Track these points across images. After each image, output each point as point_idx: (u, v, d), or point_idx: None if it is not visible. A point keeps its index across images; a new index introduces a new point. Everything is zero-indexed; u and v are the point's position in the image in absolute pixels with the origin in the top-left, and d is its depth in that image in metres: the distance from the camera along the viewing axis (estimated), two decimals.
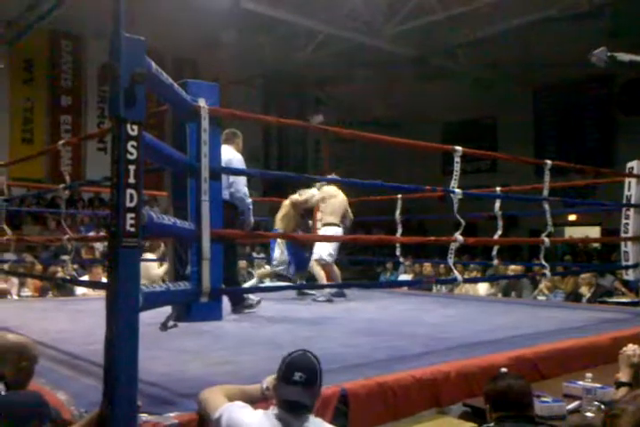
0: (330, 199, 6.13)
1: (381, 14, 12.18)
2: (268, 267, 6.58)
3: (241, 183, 4.40)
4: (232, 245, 4.58)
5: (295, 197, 6.34)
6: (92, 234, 9.97)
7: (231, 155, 4.37)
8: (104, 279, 6.10)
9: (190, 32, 12.22)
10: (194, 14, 10.96)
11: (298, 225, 6.32)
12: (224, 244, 4.85)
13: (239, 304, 4.71)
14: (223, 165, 4.51)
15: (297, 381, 1.97)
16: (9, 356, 2.09)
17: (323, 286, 5.57)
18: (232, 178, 4.36)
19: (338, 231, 6.02)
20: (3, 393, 2.00)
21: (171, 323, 2.55)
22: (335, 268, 6.14)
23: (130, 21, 2.02)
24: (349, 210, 6.29)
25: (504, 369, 2.80)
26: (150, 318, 2.32)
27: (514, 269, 7.83)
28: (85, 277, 6.77)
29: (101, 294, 5.10)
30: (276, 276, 6.46)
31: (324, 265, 5.98)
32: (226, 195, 4.22)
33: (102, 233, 9.43)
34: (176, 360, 2.95)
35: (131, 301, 1.90)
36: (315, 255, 6.01)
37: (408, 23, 12.11)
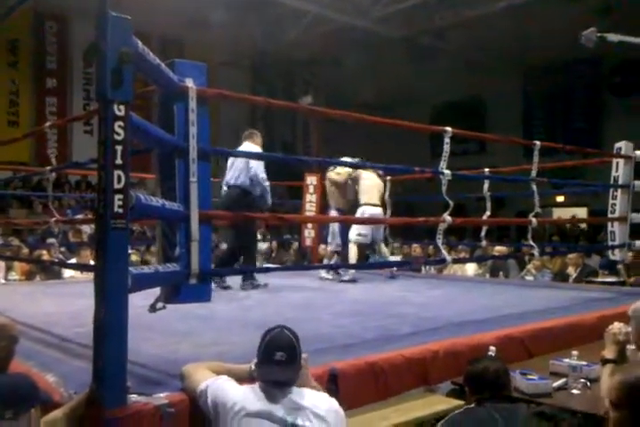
0: (362, 180, 6.19)
1: None
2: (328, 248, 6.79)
3: (259, 169, 5.05)
4: (248, 227, 5.30)
5: (333, 175, 6.43)
6: (79, 217, 9.92)
7: (250, 147, 5.17)
8: (92, 262, 6.08)
9: (177, 12, 12.06)
10: None
11: (344, 203, 6.42)
12: (241, 226, 5.23)
13: (247, 281, 5.21)
14: (233, 160, 5.16)
15: (279, 360, 1.99)
16: None
17: (310, 268, 5.58)
18: (251, 163, 5.03)
19: (369, 211, 6.02)
20: None
21: (159, 304, 2.55)
22: (383, 247, 6.35)
23: (116, 1, 1.99)
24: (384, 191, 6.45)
25: (492, 348, 2.84)
26: (140, 300, 2.32)
27: (499, 249, 7.93)
28: (73, 260, 6.75)
29: (90, 276, 5.11)
30: (336, 254, 6.59)
31: (360, 245, 6.13)
32: (245, 181, 5.10)
33: (90, 216, 9.38)
34: (166, 342, 2.96)
35: (119, 282, 1.90)
36: (349, 236, 6.16)
37: (396, 4, 12.00)
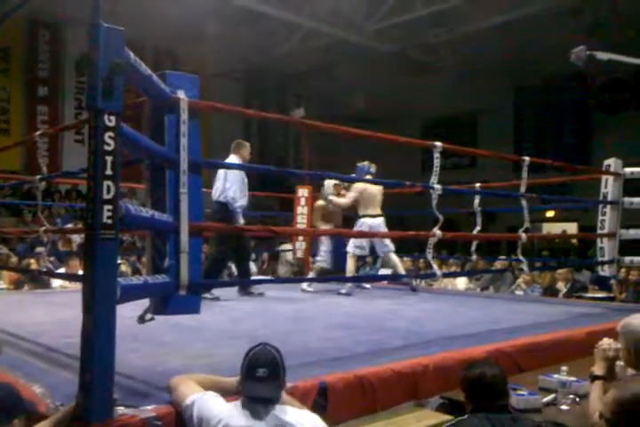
0: (365, 191, 6.13)
1: (363, 10, 12.16)
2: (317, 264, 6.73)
3: (231, 189, 5.13)
4: (243, 242, 5.49)
5: (331, 197, 6.42)
6: (69, 226, 9.85)
7: (233, 161, 5.18)
8: (81, 272, 6.02)
9: (171, 23, 12.09)
10: (175, 5, 10.84)
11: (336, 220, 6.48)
12: (235, 240, 5.35)
13: (244, 289, 5.45)
14: (221, 173, 5.19)
15: (260, 377, 1.98)
16: None
17: (299, 280, 5.56)
18: (227, 183, 5.12)
19: (368, 223, 6.00)
20: None
21: (148, 316, 2.53)
22: (393, 257, 6.22)
23: (109, 11, 2.00)
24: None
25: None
26: (128, 311, 2.30)
27: (498, 264, 7.89)
28: (62, 270, 6.69)
29: (79, 286, 5.07)
30: (323, 270, 6.59)
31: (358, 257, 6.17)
32: (221, 197, 5.18)
33: (80, 225, 9.33)
34: (154, 353, 2.93)
35: (108, 293, 1.88)
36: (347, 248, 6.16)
37: (389, 19, 12.12)
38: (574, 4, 10.56)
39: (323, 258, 6.62)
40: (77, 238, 9.19)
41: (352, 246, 6.10)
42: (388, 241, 6.19)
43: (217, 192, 5.25)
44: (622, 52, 5.62)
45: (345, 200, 6.25)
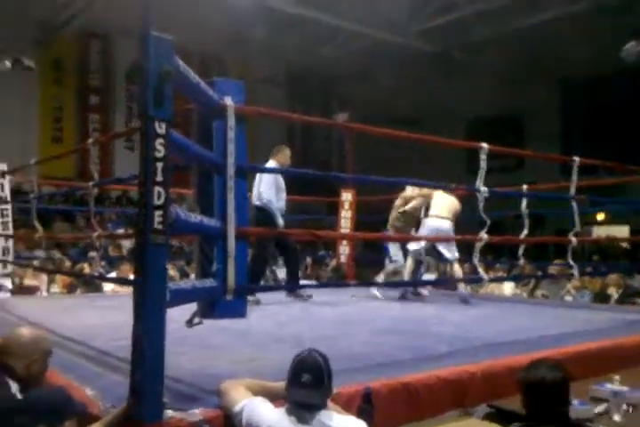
0: (435, 196, 6.08)
1: (405, 11, 12.11)
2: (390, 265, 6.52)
3: (265, 192, 5.24)
4: (289, 245, 5.62)
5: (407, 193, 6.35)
6: (120, 231, 10.09)
7: (270, 166, 5.24)
8: (131, 276, 6.16)
9: (217, 30, 12.31)
10: (220, 12, 11.01)
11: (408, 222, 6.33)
12: (278, 243, 5.49)
13: (294, 292, 5.54)
14: (257, 177, 5.28)
15: (305, 382, 1.99)
16: (22, 351, 2.11)
17: (344, 285, 5.55)
18: (262, 186, 5.24)
19: (431, 223, 5.92)
20: (14, 391, 2.01)
21: (196, 320, 2.57)
22: (455, 266, 6.00)
23: (158, 20, 2.04)
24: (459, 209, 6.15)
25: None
26: (177, 315, 2.34)
27: (552, 269, 7.57)
28: (113, 274, 6.86)
29: (130, 290, 5.18)
30: (395, 272, 6.46)
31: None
32: (257, 201, 5.28)
33: (130, 231, 9.54)
34: (202, 357, 2.98)
35: (158, 297, 1.92)
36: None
37: (432, 20, 12.03)
38: (622, 3, 10.26)
39: (395, 259, 6.37)
40: (127, 244, 9.40)
41: (413, 245, 6.02)
42: (452, 246, 5.98)
43: (255, 196, 5.35)
44: None
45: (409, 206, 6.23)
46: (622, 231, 13.85)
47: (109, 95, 13.97)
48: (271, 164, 5.37)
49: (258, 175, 5.35)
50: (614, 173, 8.11)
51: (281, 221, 5.30)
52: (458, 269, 5.95)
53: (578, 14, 10.94)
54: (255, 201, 5.33)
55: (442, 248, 5.90)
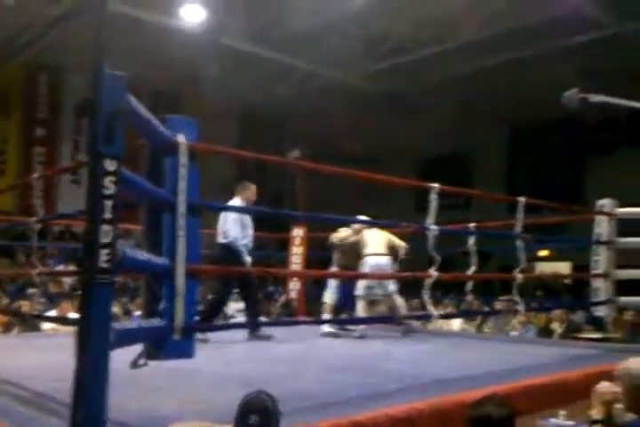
0: (367, 234, 6.10)
1: (359, 52, 12.45)
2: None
3: (231, 230, 5.20)
4: (247, 282, 5.41)
5: (335, 235, 6.40)
6: (60, 267, 9.79)
7: (235, 203, 5.27)
8: (72, 314, 5.97)
9: (170, 66, 12.35)
10: (173, 49, 11.08)
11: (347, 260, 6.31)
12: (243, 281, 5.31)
13: (255, 332, 5.33)
14: (222, 214, 5.26)
15: (252, 424, 1.96)
16: None
17: (297, 323, 5.51)
18: (227, 224, 5.20)
19: (372, 261, 5.92)
20: None
21: (141, 361, 2.50)
22: (396, 298, 6.07)
23: (109, 56, 2.04)
24: (396, 240, 6.18)
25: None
26: (122, 356, 2.27)
27: (499, 305, 7.76)
28: (53, 312, 6.61)
29: (69, 329, 5.01)
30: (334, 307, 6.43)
31: (374, 300, 6.15)
32: (221, 239, 5.25)
33: (71, 267, 9.28)
34: (146, 399, 2.88)
35: (102, 338, 1.87)
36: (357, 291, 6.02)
37: (385, 61, 12.38)
38: (567, 48, 10.82)
39: (332, 295, 6.42)
40: (68, 280, 9.12)
41: (361, 289, 5.97)
42: (392, 282, 6.09)
43: (220, 234, 5.30)
44: (615, 95, 5.75)
45: (334, 239, 6.30)
46: (564, 267, 14.26)
47: (56, 128, 13.76)
48: (236, 200, 5.36)
49: (222, 213, 5.31)
50: (557, 211, 8.41)
51: (248, 259, 5.24)
52: (399, 299, 6.07)
53: (525, 60, 11.47)
54: (221, 239, 5.29)
55: (381, 282, 5.97)
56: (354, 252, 6.20)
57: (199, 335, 4.79)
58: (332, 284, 6.45)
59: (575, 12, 9.97)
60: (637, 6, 10.08)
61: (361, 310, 5.95)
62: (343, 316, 6.55)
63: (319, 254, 8.43)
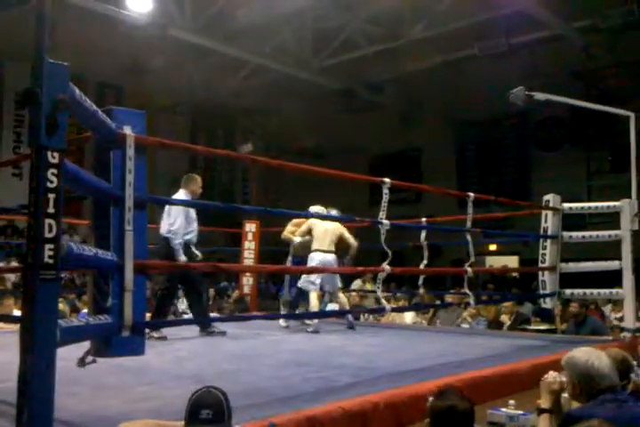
0: (315, 227, 6.05)
1: (309, 47, 12.43)
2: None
3: (174, 224, 5.05)
4: (191, 277, 5.31)
5: (286, 232, 6.42)
6: (2, 264, 9.46)
7: (180, 196, 5.13)
8: (16, 311, 5.77)
9: (116, 57, 12.06)
10: (121, 39, 10.82)
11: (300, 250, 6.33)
12: (182, 277, 5.21)
13: (205, 329, 5.24)
14: (167, 207, 5.07)
15: (204, 419, 1.93)
16: None
17: (248, 318, 5.47)
18: (171, 217, 5.05)
19: (317, 258, 5.89)
20: None
21: (89, 358, 2.43)
22: (340, 295, 6.20)
23: (52, 45, 1.96)
24: (348, 237, 6.13)
25: (431, 399, 2.82)
26: (68, 353, 2.20)
27: (449, 298, 7.89)
28: None
29: (11, 327, 4.84)
30: (288, 302, 6.49)
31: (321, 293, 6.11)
32: (164, 232, 5.10)
33: (13, 262, 8.97)
34: (95, 397, 2.81)
35: (48, 337, 1.80)
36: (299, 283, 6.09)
37: (336, 57, 12.40)
38: (511, 48, 11.06)
39: (287, 290, 6.52)
40: (12, 276, 8.82)
41: (302, 282, 6.04)
42: (337, 278, 6.15)
43: (162, 227, 5.18)
44: (558, 93, 5.93)
45: (295, 237, 6.27)
46: (512, 261, 14.62)
47: None
48: (181, 193, 5.21)
49: (167, 206, 5.17)
50: (505, 206, 8.61)
51: (183, 257, 5.04)
52: (342, 297, 6.17)
53: (472, 58, 11.67)
54: (164, 233, 5.14)
55: (327, 277, 5.98)
56: (307, 243, 6.21)
57: (155, 333, 4.74)
58: (287, 278, 6.46)
59: (520, 12, 10.19)
60: (581, 7, 10.39)
61: (313, 303, 5.95)
62: (300, 310, 6.56)
63: (272, 249, 8.42)
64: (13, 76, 12.50)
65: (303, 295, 6.26)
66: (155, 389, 3.04)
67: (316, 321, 5.86)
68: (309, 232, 6.15)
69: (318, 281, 5.98)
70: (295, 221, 6.42)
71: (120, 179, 2.45)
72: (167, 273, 5.26)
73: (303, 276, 6.07)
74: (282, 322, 6.15)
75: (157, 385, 3.15)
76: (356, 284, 9.65)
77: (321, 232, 6.05)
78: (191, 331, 5.28)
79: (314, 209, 6.19)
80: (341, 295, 6.24)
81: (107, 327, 2.35)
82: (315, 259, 5.92)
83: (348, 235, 6.15)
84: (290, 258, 6.47)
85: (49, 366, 1.81)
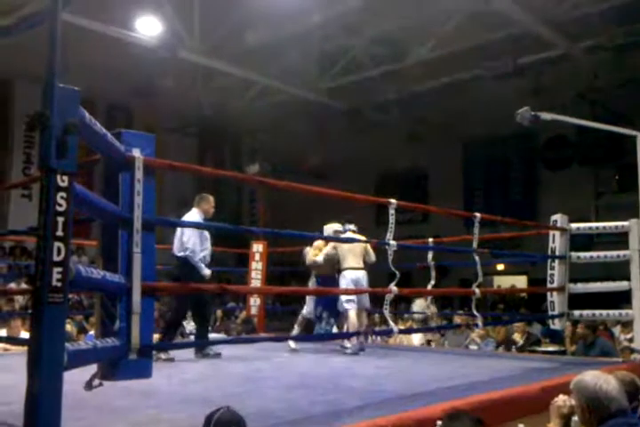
0: (340, 245, 5.95)
1: (316, 68, 12.55)
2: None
3: (189, 242, 5.11)
4: (200, 298, 5.27)
5: (310, 255, 6.25)
6: (12, 285, 9.48)
7: (189, 217, 5.21)
8: (24, 333, 5.77)
9: (125, 79, 12.20)
10: (130, 61, 10.96)
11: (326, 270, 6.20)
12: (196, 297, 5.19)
13: (200, 350, 5.23)
14: (179, 228, 5.09)
15: None
16: None
17: (257, 340, 5.44)
18: (185, 236, 5.10)
19: (349, 276, 5.79)
20: None
21: (96, 382, 2.42)
22: (362, 315, 5.98)
23: (63, 68, 1.99)
24: (370, 253, 6.03)
25: (439, 422, 2.78)
26: (76, 376, 2.19)
27: (462, 318, 7.77)
28: (3, 331, 6.38)
29: (21, 348, 4.83)
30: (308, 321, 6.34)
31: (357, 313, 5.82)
32: (180, 253, 5.15)
33: (23, 284, 8.99)
34: (101, 421, 2.79)
35: (55, 360, 1.80)
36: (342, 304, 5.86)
37: (342, 78, 12.51)
38: (516, 68, 11.12)
39: (308, 309, 6.28)
40: (20, 298, 8.83)
41: (345, 301, 5.81)
42: (366, 296, 5.95)
43: (177, 248, 5.20)
44: (564, 113, 5.95)
45: (319, 258, 6.13)
46: (520, 281, 14.53)
47: (6, 141, 13.39)
48: (194, 212, 5.27)
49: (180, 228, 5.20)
50: (512, 226, 8.58)
51: (207, 272, 5.15)
52: (353, 318, 5.81)
53: (477, 78, 11.74)
54: (177, 252, 5.17)
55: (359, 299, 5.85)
56: (330, 262, 6.12)
57: (163, 355, 4.72)
58: (308, 297, 6.34)
59: (526, 32, 10.27)
60: (586, 28, 10.46)
61: (354, 321, 5.74)
62: (324, 329, 6.41)
63: (280, 270, 8.41)
64: (24, 96, 12.64)
65: (332, 315, 6.13)
66: (162, 412, 3.02)
67: (355, 343, 5.71)
68: (334, 250, 6.03)
69: (353, 297, 5.82)
70: (316, 244, 6.27)
71: (128, 201, 2.47)
72: (178, 297, 5.27)
73: (342, 296, 5.87)
74: (292, 344, 6.03)
75: (164, 408, 3.13)
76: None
77: (352, 250, 5.92)
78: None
79: (329, 227, 6.14)
80: (352, 316, 5.84)
81: (114, 350, 2.34)
82: (346, 277, 5.80)
83: (370, 249, 6.03)
84: (313, 278, 6.34)
85: (56, 390, 1.80)
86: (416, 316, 9.06)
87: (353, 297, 5.79)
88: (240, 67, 11.88)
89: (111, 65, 11.04)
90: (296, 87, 12.71)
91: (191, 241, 5.12)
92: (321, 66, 12.56)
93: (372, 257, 6.04)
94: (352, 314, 5.74)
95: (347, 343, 5.98)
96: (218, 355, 5.26)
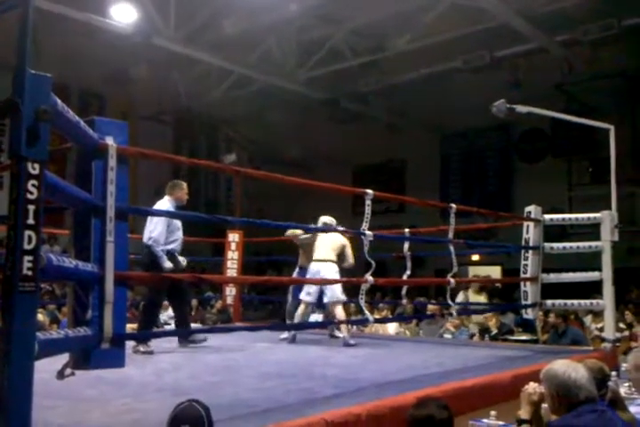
0: (318, 237, 5.94)
1: (294, 58, 12.48)
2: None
3: (154, 231, 4.95)
4: (176, 286, 5.12)
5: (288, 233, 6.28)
6: None
7: (160, 205, 5.03)
8: None
9: (100, 66, 12.01)
10: (104, 48, 10.78)
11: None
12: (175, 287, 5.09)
13: (187, 338, 5.19)
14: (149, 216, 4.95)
15: None
16: None
17: (232, 329, 5.44)
18: (151, 225, 4.97)
19: (312, 267, 5.81)
20: None
21: (68, 371, 2.40)
22: (337, 308, 5.86)
23: (35, 53, 1.95)
24: (348, 254, 5.92)
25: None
26: (47, 365, 2.18)
27: (431, 308, 7.88)
28: None
29: None
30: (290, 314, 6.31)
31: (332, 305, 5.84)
32: (145, 240, 5.00)
33: None
34: (73, 410, 2.78)
35: (26, 349, 1.78)
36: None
37: (320, 68, 12.46)
38: (494, 60, 11.20)
39: (290, 301, 6.35)
40: None
41: (303, 293, 5.91)
42: (336, 288, 5.84)
43: (145, 236, 5.09)
44: (540, 106, 6.01)
45: (303, 235, 6.17)
46: (495, 271, 14.69)
47: None
48: (166, 200, 5.09)
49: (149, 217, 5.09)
50: (487, 217, 8.67)
51: (168, 265, 4.93)
52: (339, 312, 5.80)
53: (455, 70, 11.79)
54: (146, 241, 5.03)
55: (326, 291, 5.85)
56: (308, 250, 6.13)
57: (142, 347, 4.67)
58: (291, 288, 6.38)
59: (503, 25, 10.32)
60: (562, 21, 10.55)
61: (299, 312, 5.86)
62: (316, 318, 6.48)
63: (256, 259, 8.40)
64: None
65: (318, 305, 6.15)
66: (135, 401, 3.02)
67: (345, 333, 5.71)
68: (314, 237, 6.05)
69: (312, 290, 5.85)
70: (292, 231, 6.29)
71: (101, 189, 2.44)
72: (150, 285, 5.22)
73: (306, 287, 5.93)
74: (282, 333, 6.01)
75: (138, 398, 3.12)
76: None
77: (319, 242, 5.93)
78: (172, 342, 5.23)
79: (323, 219, 6.13)
80: (339, 309, 5.82)
81: (86, 340, 2.32)
82: (309, 270, 5.84)
83: (349, 252, 5.92)
84: (297, 269, 6.37)
85: (27, 379, 1.79)
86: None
87: (308, 289, 5.84)
88: (217, 56, 11.75)
89: (85, 52, 10.86)
90: (274, 77, 12.63)
91: (157, 230, 4.94)
92: (299, 56, 12.48)
93: (350, 259, 5.93)
94: (301, 306, 5.85)
95: (337, 333, 6.06)
96: (204, 340, 5.22)
